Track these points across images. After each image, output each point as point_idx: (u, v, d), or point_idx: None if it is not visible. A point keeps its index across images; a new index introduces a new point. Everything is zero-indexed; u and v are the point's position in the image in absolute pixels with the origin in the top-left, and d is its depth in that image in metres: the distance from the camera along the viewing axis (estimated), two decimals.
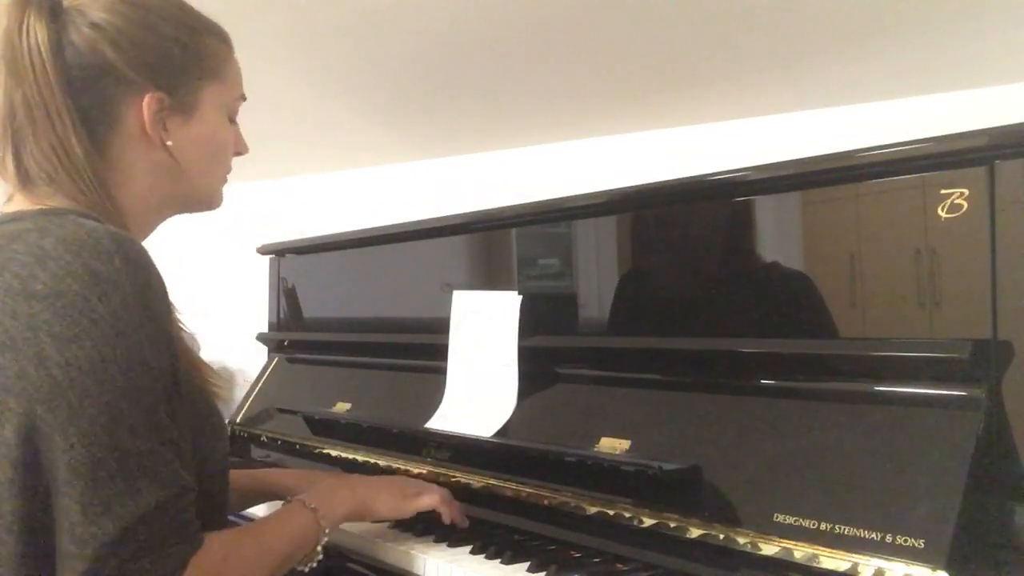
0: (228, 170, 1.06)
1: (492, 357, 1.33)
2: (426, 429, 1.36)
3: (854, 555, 0.85)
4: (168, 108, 0.96)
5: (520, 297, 1.31)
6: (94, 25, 0.91)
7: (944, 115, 1.50)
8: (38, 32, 0.89)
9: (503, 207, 1.45)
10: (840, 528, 0.87)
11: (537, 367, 1.30)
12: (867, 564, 0.84)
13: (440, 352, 1.41)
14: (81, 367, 0.77)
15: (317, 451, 1.58)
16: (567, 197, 1.34)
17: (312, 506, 1.02)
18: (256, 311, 2.04)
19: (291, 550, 0.98)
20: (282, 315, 1.98)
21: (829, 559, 0.87)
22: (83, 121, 0.91)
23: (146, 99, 0.94)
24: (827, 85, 1.59)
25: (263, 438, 1.72)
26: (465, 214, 1.50)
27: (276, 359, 1.93)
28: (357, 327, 1.77)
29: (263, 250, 2.00)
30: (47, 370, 0.77)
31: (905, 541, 0.82)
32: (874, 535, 0.85)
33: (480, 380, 1.35)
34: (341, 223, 1.88)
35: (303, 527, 1.01)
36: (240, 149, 1.07)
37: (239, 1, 1.41)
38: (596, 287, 1.31)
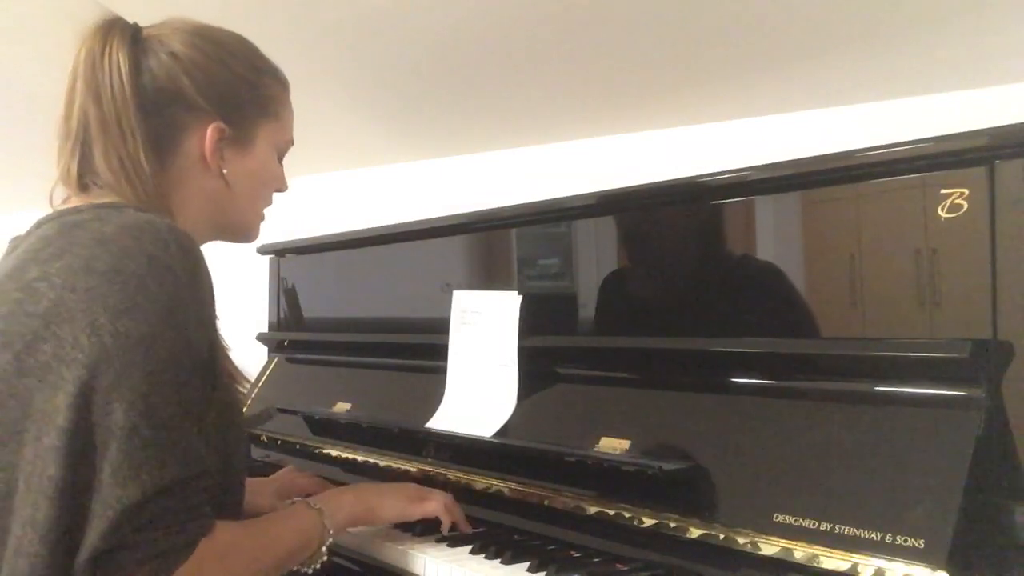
0: (269, 203, 1.12)
1: (492, 357, 1.33)
2: (426, 429, 1.36)
3: (854, 555, 0.85)
4: (228, 139, 1.02)
5: (520, 297, 1.31)
6: (173, 55, 0.99)
7: (944, 115, 1.50)
8: (119, 54, 0.96)
9: (503, 207, 1.45)
10: (840, 528, 0.87)
11: (537, 367, 1.30)
12: (867, 564, 0.84)
13: (440, 352, 1.41)
14: (130, 337, 0.82)
15: (317, 451, 1.59)
16: (567, 197, 1.34)
17: (317, 507, 1.05)
18: (256, 311, 2.04)
19: (294, 547, 1.00)
20: (282, 315, 1.98)
21: (829, 559, 0.87)
22: (151, 141, 0.97)
23: (210, 128, 1.01)
24: (827, 85, 1.59)
25: (263, 438, 1.72)
26: (465, 214, 1.50)
27: (276, 359, 1.93)
28: (357, 327, 1.77)
29: (263, 250, 2.00)
30: (99, 338, 0.81)
31: (905, 541, 0.82)
32: (874, 535, 0.85)
33: (480, 380, 1.35)
34: (341, 223, 1.88)
35: (307, 526, 1.03)
36: (280, 187, 1.12)
37: (238, 2, 1.41)
38: (596, 287, 1.31)
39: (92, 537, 0.78)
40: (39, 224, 0.95)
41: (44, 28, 1.60)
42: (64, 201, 0.99)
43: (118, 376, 0.80)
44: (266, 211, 1.12)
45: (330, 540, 1.04)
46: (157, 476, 0.80)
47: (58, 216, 0.94)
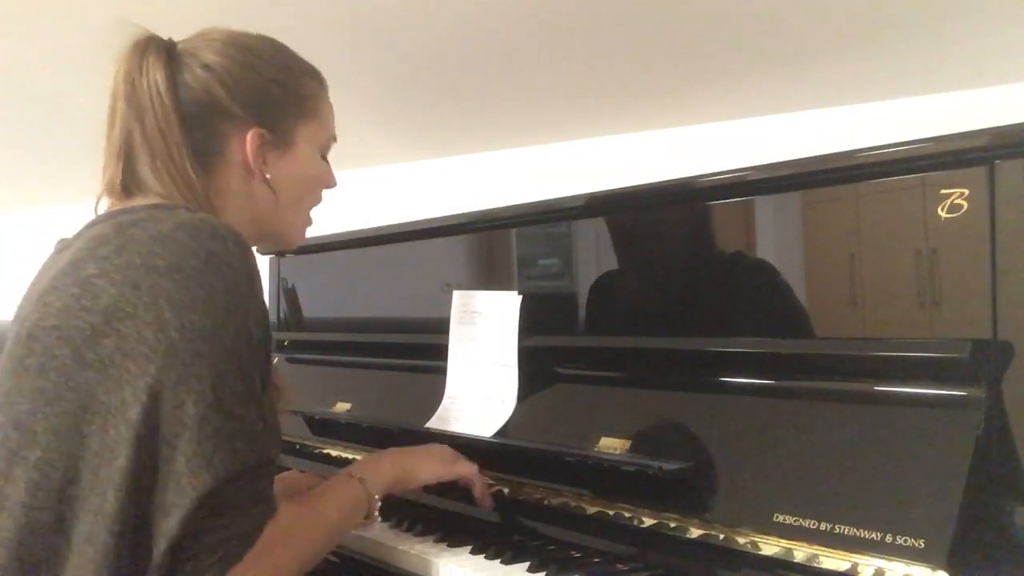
0: (317, 202, 1.14)
1: (492, 357, 1.33)
2: (426, 429, 1.36)
3: (854, 555, 0.85)
4: (268, 143, 1.04)
5: (520, 297, 1.31)
6: (206, 67, 1.01)
7: (944, 115, 1.50)
8: (156, 73, 0.98)
9: (503, 207, 1.45)
10: (840, 528, 0.87)
11: (537, 367, 1.30)
12: (867, 564, 0.84)
13: (440, 352, 1.41)
14: (195, 330, 0.84)
15: (317, 451, 1.59)
16: (567, 197, 1.34)
17: (359, 476, 1.09)
18: None
19: (344, 518, 1.05)
20: (282, 315, 1.98)
21: (829, 559, 0.87)
22: (196, 153, 0.99)
23: (249, 135, 1.02)
24: (827, 85, 1.59)
25: None
26: (465, 214, 1.50)
27: (276, 359, 1.92)
28: (357, 327, 1.77)
29: (263, 250, 1.99)
30: (165, 333, 0.84)
31: (905, 541, 0.82)
32: (874, 535, 0.85)
33: (480, 380, 1.35)
34: (341, 223, 1.88)
35: (354, 496, 1.07)
36: (329, 183, 1.14)
37: (237, 2, 1.41)
38: (596, 287, 1.30)
39: (170, 526, 0.81)
40: (90, 225, 0.97)
41: (50, 27, 1.60)
42: (111, 206, 1.01)
43: (186, 369, 0.83)
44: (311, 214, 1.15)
45: (379, 503, 1.09)
46: (229, 463, 0.84)
47: (111, 216, 0.96)
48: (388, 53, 1.70)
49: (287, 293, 1.97)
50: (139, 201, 0.98)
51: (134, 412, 0.82)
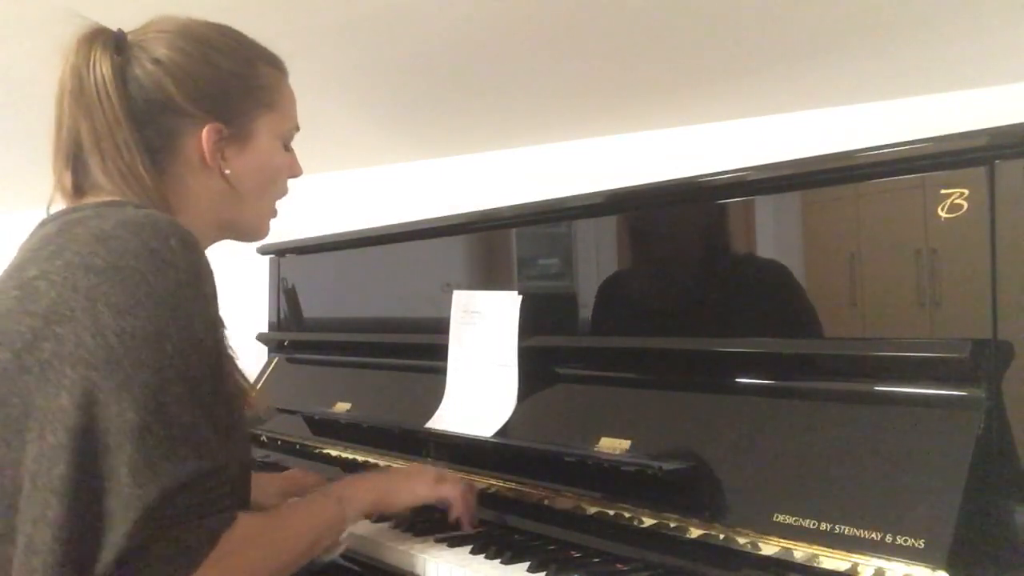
0: (284, 193, 1.10)
1: (492, 357, 1.33)
2: (426, 429, 1.36)
3: (854, 555, 0.85)
4: (226, 138, 1.00)
5: (520, 297, 1.31)
6: (156, 61, 0.96)
7: (944, 115, 1.50)
8: (104, 67, 0.95)
9: (503, 207, 1.45)
10: (840, 528, 0.87)
11: (537, 367, 1.30)
12: (867, 564, 0.84)
13: (440, 352, 1.41)
14: (136, 336, 0.81)
15: (317, 451, 1.59)
16: (567, 197, 1.34)
17: (336, 496, 1.05)
18: (256, 311, 2.04)
19: (315, 538, 1.00)
20: (282, 315, 1.98)
21: (829, 559, 0.87)
22: (148, 150, 0.96)
23: (205, 130, 0.98)
24: (827, 85, 1.59)
25: (263, 438, 1.72)
26: (465, 214, 1.50)
27: (276, 359, 1.93)
28: (357, 327, 1.77)
29: (263, 250, 2.00)
30: (104, 338, 0.81)
31: (905, 541, 0.82)
32: (874, 535, 0.85)
33: (480, 380, 1.35)
34: (341, 223, 1.88)
35: (328, 517, 1.03)
36: (295, 173, 1.10)
37: (236, 3, 1.41)
38: (596, 287, 1.31)
39: (115, 537, 0.78)
40: (42, 224, 0.95)
41: (51, 27, 1.60)
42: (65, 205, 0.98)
43: (127, 376, 0.80)
44: (276, 205, 1.11)
45: (348, 530, 1.05)
46: (175, 473, 0.80)
47: (60, 215, 0.94)
48: (388, 53, 1.70)
49: (287, 293, 1.97)
50: (90, 200, 0.95)
51: (72, 419, 0.79)
